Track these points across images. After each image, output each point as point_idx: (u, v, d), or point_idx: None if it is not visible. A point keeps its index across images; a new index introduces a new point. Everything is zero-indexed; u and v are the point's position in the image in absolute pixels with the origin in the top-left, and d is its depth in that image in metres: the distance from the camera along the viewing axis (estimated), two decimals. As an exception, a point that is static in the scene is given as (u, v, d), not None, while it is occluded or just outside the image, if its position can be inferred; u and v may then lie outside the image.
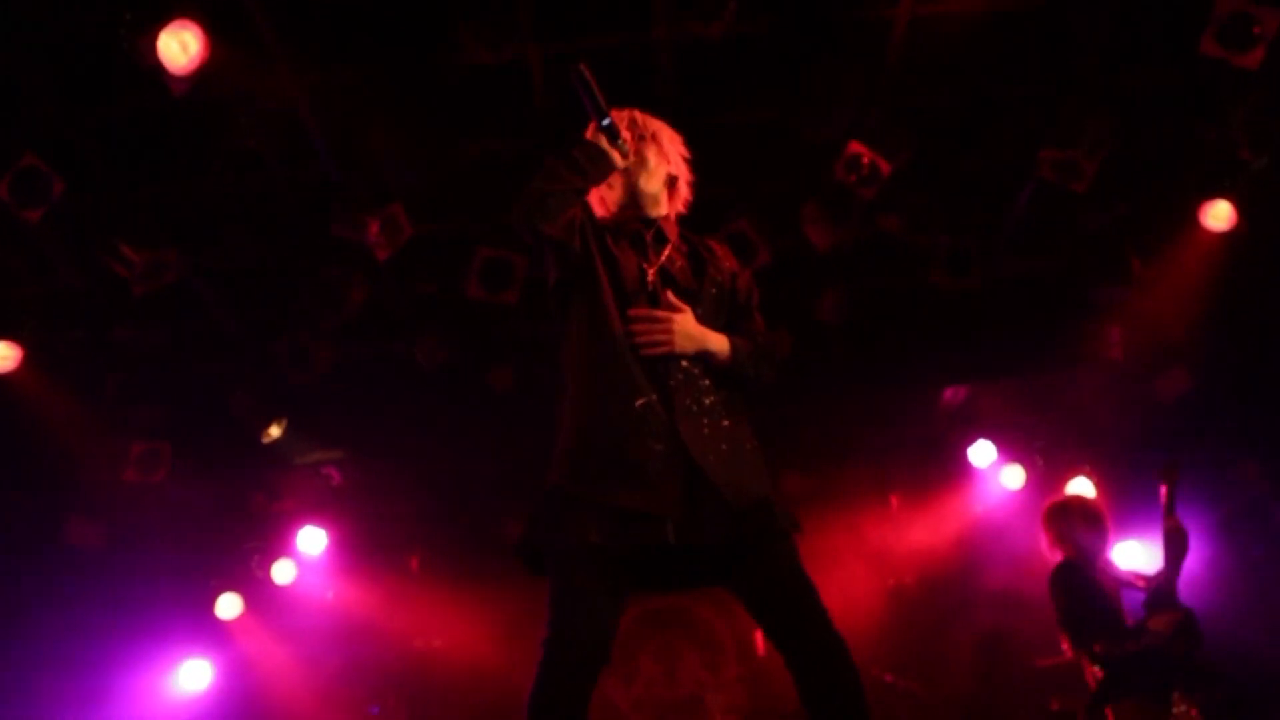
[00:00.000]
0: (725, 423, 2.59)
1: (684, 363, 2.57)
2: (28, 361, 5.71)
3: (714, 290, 2.71)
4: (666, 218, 2.77)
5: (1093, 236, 5.85)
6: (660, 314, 2.56)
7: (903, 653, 6.95)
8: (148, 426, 6.11)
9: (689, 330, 2.57)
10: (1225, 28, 4.26)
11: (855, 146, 4.81)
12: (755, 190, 5.25)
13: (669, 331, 2.55)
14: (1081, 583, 4.43)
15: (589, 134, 2.59)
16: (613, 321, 2.56)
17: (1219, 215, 5.38)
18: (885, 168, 4.86)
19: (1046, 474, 7.14)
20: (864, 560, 7.41)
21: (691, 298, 2.64)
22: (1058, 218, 5.76)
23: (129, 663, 6.74)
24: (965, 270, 5.78)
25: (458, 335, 5.98)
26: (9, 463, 6.10)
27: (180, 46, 3.96)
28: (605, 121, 2.52)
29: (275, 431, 6.57)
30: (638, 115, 2.74)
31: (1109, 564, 4.73)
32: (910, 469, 7.47)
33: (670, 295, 2.62)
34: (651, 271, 2.65)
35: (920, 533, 7.87)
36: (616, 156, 2.56)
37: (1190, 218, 5.56)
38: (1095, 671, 4.37)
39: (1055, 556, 4.69)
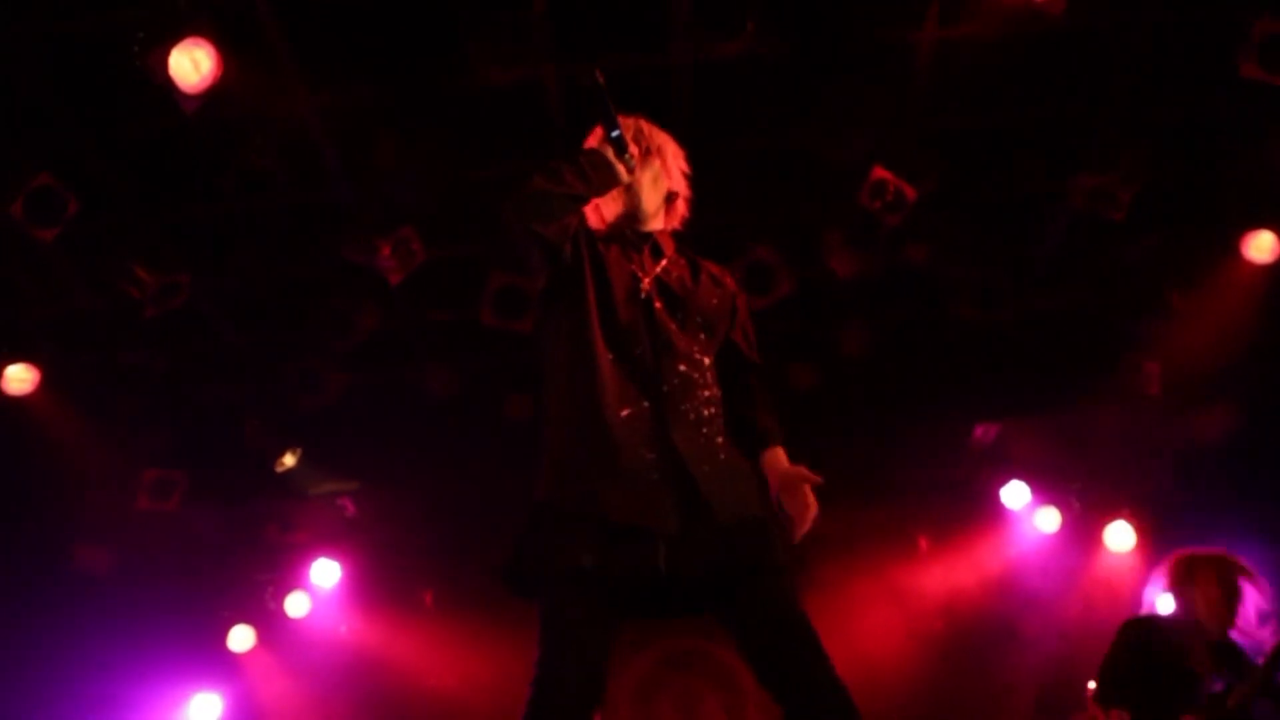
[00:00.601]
0: (720, 440, 2.45)
1: (681, 366, 2.44)
2: (43, 384, 5.68)
3: (714, 302, 2.60)
4: (663, 232, 2.67)
5: (1129, 269, 5.66)
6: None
7: (930, 705, 6.67)
8: (160, 453, 6.04)
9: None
10: (1265, 49, 4.09)
11: (879, 172, 4.67)
12: (775, 218, 5.13)
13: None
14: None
15: (596, 143, 2.52)
16: (599, 331, 2.44)
17: (1262, 246, 5.17)
18: (911, 194, 4.72)
19: (1083, 516, 6.88)
20: (889, 605, 7.16)
21: (685, 311, 2.53)
22: (1092, 249, 5.58)
23: (137, 695, 6.63)
24: (995, 303, 5.61)
25: (472, 363, 5.89)
26: (20, 486, 6.05)
27: (192, 64, 3.92)
28: (615, 133, 2.45)
29: (289, 461, 6.48)
30: (644, 125, 2.66)
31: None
32: (939, 509, 7.23)
33: (660, 306, 2.50)
34: (646, 281, 2.53)
35: (950, 576, 7.62)
36: (622, 170, 2.48)
37: (1231, 249, 5.36)
38: None
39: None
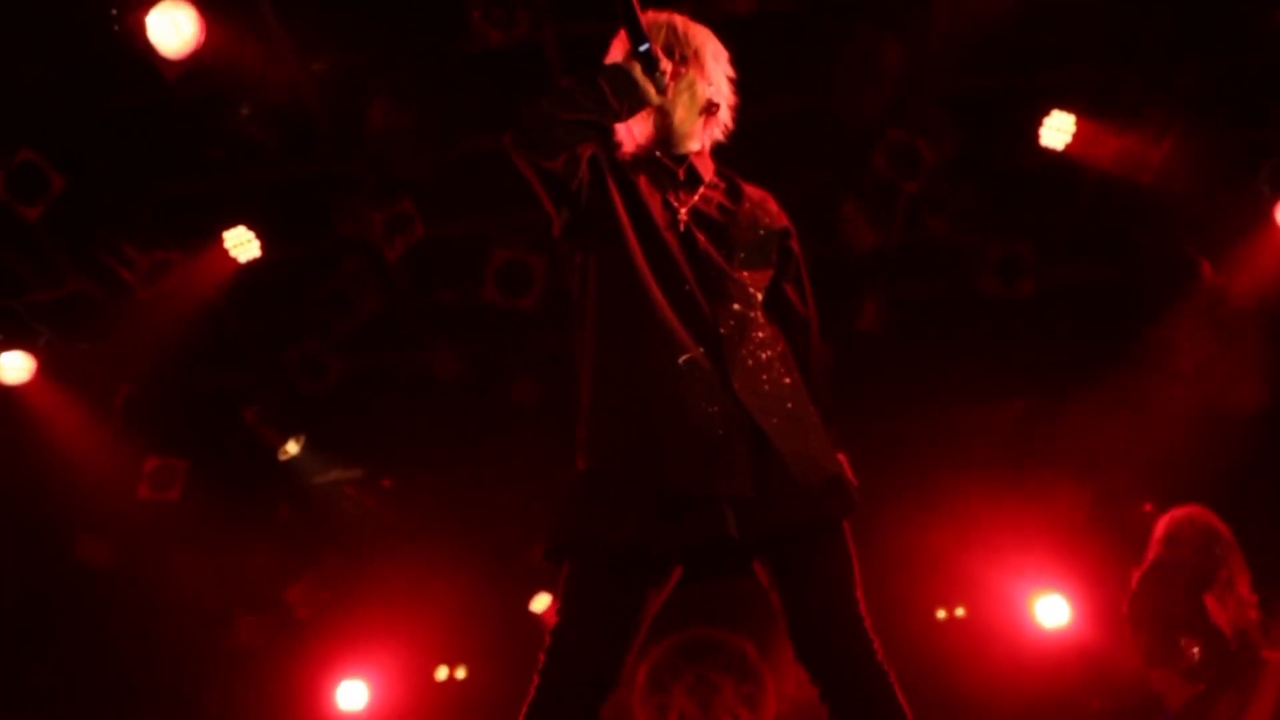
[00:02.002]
0: (787, 380, 2.19)
1: (735, 305, 2.19)
2: (40, 372, 5.57)
3: (759, 234, 2.31)
4: (700, 152, 2.37)
5: (1158, 238, 5.44)
6: None
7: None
8: (161, 440, 5.92)
9: None
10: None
11: (895, 134, 4.46)
12: (787, 186, 4.92)
13: None
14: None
15: (622, 58, 2.18)
16: (640, 269, 2.17)
17: (1296, 212, 4.94)
18: (929, 158, 4.51)
19: (1110, 498, 6.67)
20: (909, 587, 6.96)
21: (729, 242, 2.26)
22: (1120, 218, 5.37)
23: (143, 689, 6.51)
24: (1018, 276, 5.40)
25: (480, 345, 5.73)
26: (18, 476, 5.93)
27: (173, 26, 3.76)
28: (643, 48, 2.11)
29: (292, 448, 6.35)
30: (679, 24, 2.33)
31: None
32: (962, 489, 7.02)
33: (703, 238, 2.24)
34: (683, 211, 2.26)
35: (974, 559, 7.41)
36: (651, 90, 2.15)
37: (1265, 217, 5.13)
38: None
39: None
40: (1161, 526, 4.28)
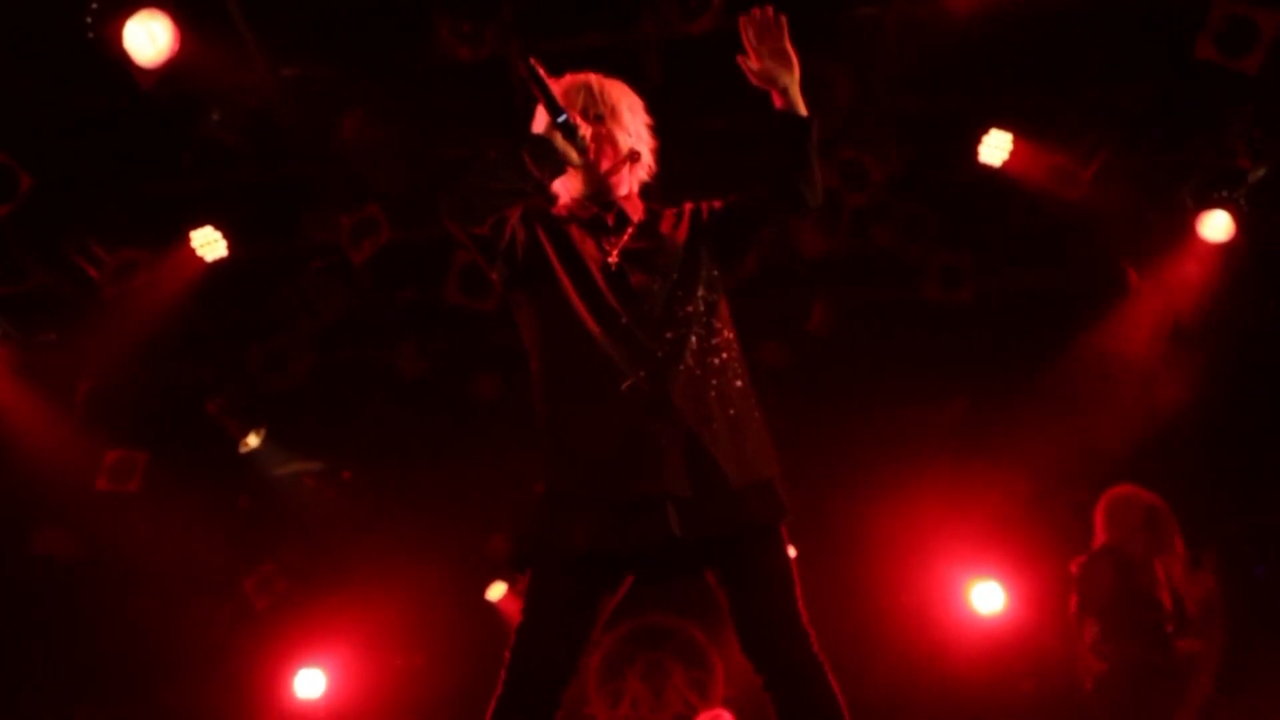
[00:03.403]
0: (738, 384, 2.42)
1: (669, 334, 2.38)
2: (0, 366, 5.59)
3: (681, 241, 2.52)
4: (628, 196, 2.60)
5: (1090, 249, 5.74)
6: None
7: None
8: (122, 433, 5.96)
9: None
10: (1222, 32, 4.15)
11: (844, 151, 4.69)
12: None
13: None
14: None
15: (542, 128, 2.42)
16: (577, 310, 2.40)
17: (1217, 226, 5.26)
18: (876, 174, 4.75)
19: (1044, 490, 6.99)
20: (852, 585, 7.23)
21: (661, 270, 2.47)
22: (1055, 230, 5.66)
23: (103, 679, 6.56)
24: (958, 283, 5.68)
25: (441, 342, 5.86)
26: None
27: (148, 37, 3.84)
28: (561, 118, 2.35)
29: (253, 441, 6.42)
30: (594, 85, 2.55)
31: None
32: (905, 483, 7.30)
33: (635, 275, 2.45)
34: (614, 253, 2.48)
35: (913, 548, 7.71)
36: (573, 154, 2.40)
37: (1188, 228, 5.45)
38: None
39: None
40: (1102, 509, 4.43)
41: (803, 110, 2.49)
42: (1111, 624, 4.17)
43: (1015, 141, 4.96)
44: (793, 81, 2.48)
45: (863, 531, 7.40)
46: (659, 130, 2.71)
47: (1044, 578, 6.89)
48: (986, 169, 5.02)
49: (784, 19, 2.48)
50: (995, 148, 4.93)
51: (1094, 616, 4.24)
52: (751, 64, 2.49)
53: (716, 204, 2.61)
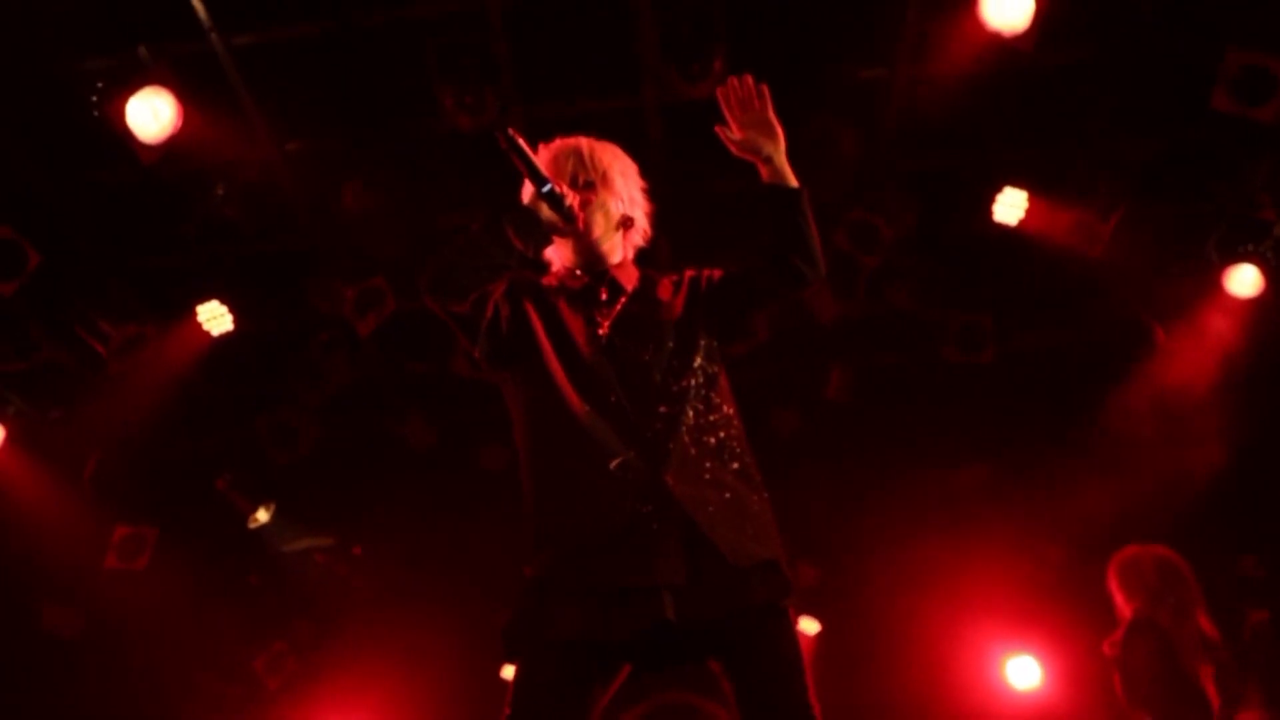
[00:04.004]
0: (735, 465, 2.29)
1: (663, 408, 2.25)
2: (9, 441, 5.57)
3: (678, 313, 2.41)
4: (622, 263, 2.51)
5: (1112, 306, 5.60)
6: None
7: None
8: (130, 509, 5.90)
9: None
10: (1237, 81, 4.07)
11: (856, 213, 4.61)
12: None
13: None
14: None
15: (527, 199, 2.34)
16: (564, 387, 2.28)
17: (1245, 280, 5.11)
18: (888, 234, 4.66)
19: (1074, 560, 6.75)
20: (882, 659, 6.97)
21: (655, 341, 2.35)
22: (1075, 287, 5.53)
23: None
24: (979, 345, 5.54)
25: (449, 414, 5.78)
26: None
27: (151, 113, 3.86)
28: (545, 188, 2.27)
29: (263, 516, 6.34)
30: (584, 150, 2.47)
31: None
32: (931, 553, 7.08)
33: (627, 348, 2.34)
34: (605, 325, 2.38)
35: (944, 621, 7.45)
36: (559, 223, 2.32)
37: (1215, 285, 5.31)
38: None
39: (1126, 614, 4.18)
40: (1113, 578, 4.23)
41: (791, 181, 2.40)
42: (1162, 714, 3.93)
43: (1030, 199, 4.87)
44: (777, 151, 2.40)
45: (890, 603, 7.17)
46: (662, 194, 2.63)
47: (1081, 650, 6.63)
48: (1002, 227, 4.92)
49: (765, 88, 2.41)
50: (1010, 206, 4.84)
51: (1143, 707, 4.00)
52: (733, 134, 2.41)
53: (716, 274, 2.50)
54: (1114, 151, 4.90)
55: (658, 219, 2.61)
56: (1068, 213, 4.94)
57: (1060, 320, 5.76)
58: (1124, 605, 4.20)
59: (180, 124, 4.00)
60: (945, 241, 5.13)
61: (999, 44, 3.97)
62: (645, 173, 2.60)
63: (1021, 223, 4.92)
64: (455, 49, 4.08)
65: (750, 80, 2.42)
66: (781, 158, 2.40)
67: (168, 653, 6.67)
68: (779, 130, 2.40)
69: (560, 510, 2.24)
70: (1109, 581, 4.30)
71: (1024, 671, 6.94)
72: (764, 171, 2.42)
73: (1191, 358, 5.52)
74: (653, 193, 2.59)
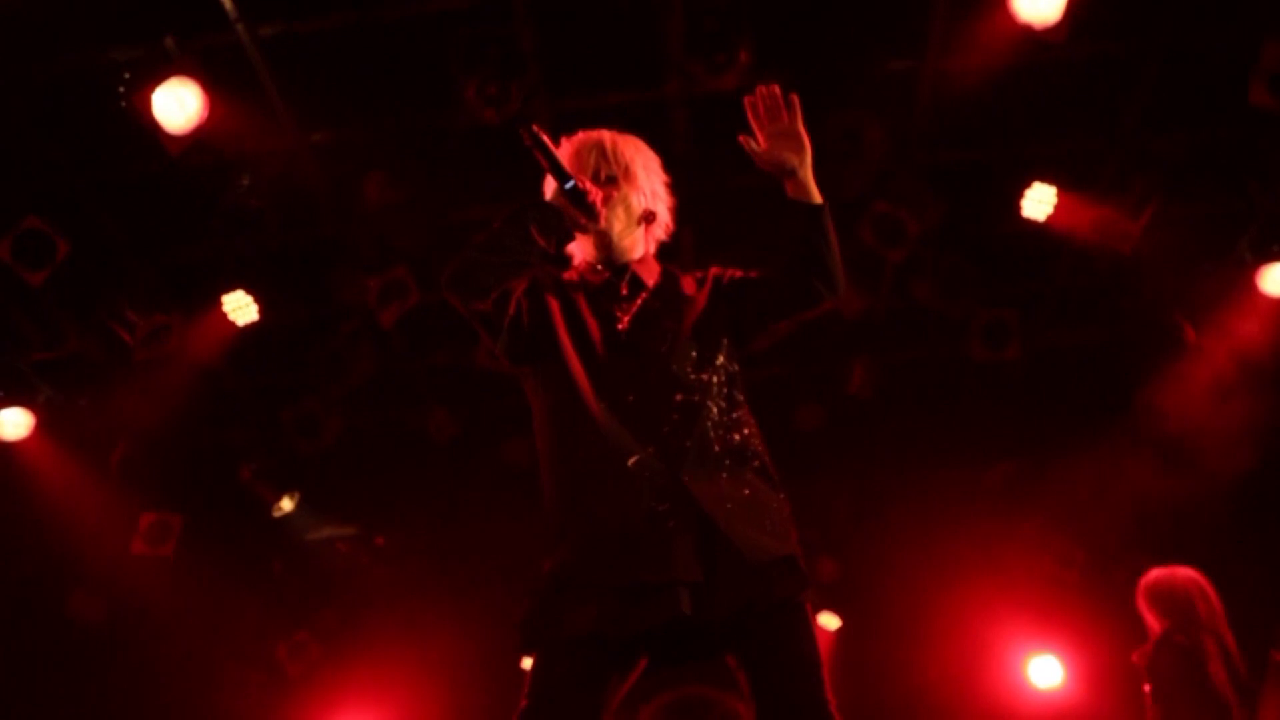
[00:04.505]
0: (756, 463, 2.27)
1: (679, 396, 2.23)
2: (39, 429, 5.64)
3: (699, 311, 2.38)
4: (643, 259, 2.48)
5: (1143, 304, 5.52)
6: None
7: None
8: (156, 497, 5.95)
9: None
10: (1275, 76, 3.98)
11: (881, 206, 4.57)
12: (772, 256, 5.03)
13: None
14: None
15: (549, 195, 2.33)
16: (582, 383, 2.27)
17: (1278, 280, 5.02)
18: (913, 229, 4.61)
19: (1098, 561, 6.69)
20: (902, 656, 6.94)
21: (673, 337, 2.32)
22: (1104, 284, 5.46)
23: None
24: (1004, 341, 5.48)
25: (473, 406, 5.79)
26: (13, 532, 5.96)
27: (178, 105, 3.88)
28: (568, 185, 2.26)
29: (287, 505, 6.38)
30: (606, 144, 2.44)
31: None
32: (954, 550, 7.03)
33: (646, 343, 2.31)
34: (625, 320, 2.36)
35: (967, 620, 7.41)
36: (582, 220, 2.29)
37: (1247, 282, 5.22)
38: None
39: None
40: (1142, 598, 4.31)
41: (816, 197, 2.34)
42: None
43: (1060, 195, 4.81)
44: (803, 165, 2.33)
45: (911, 599, 7.14)
46: (687, 187, 2.60)
47: (1104, 651, 6.58)
48: (1030, 223, 4.86)
49: (795, 98, 2.33)
50: (1039, 201, 4.78)
51: (1164, 709, 4.06)
52: (757, 146, 2.35)
53: (739, 274, 2.47)
54: (1146, 147, 4.83)
55: (681, 211, 2.57)
56: (1097, 209, 4.87)
57: (1088, 318, 5.69)
58: (1155, 624, 4.26)
59: (206, 115, 4.01)
60: (972, 237, 5.07)
61: (1030, 36, 3.91)
62: (668, 165, 2.57)
63: (1050, 218, 4.86)
64: (480, 40, 4.07)
65: (779, 90, 2.35)
66: (807, 172, 2.33)
67: (191, 639, 6.75)
68: (807, 143, 2.33)
69: (578, 506, 2.23)
70: (1139, 601, 4.35)
71: (1046, 671, 6.91)
72: (788, 186, 2.36)
73: (1222, 358, 5.44)
74: (676, 185, 2.56)
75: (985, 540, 6.94)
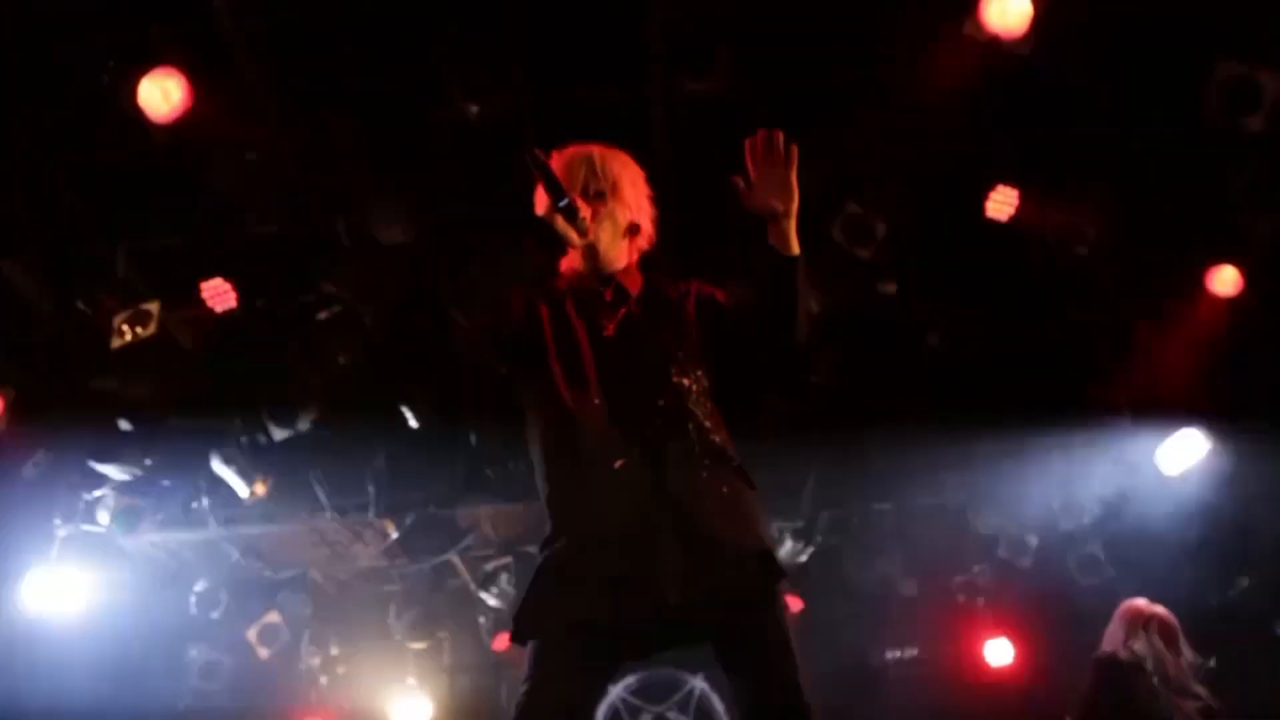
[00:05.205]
0: (734, 463, 2.43)
1: (661, 401, 2.38)
2: (8, 413, 5.61)
3: (684, 324, 2.52)
4: (627, 269, 2.60)
5: (1099, 302, 5.74)
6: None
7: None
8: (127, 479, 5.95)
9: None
10: (1228, 91, 4.19)
11: (851, 206, 4.72)
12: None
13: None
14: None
15: (543, 210, 2.42)
16: (569, 388, 2.41)
17: (1225, 280, 5.27)
18: (882, 228, 4.77)
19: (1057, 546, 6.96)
20: (864, 635, 7.16)
21: (655, 344, 2.47)
22: (1062, 282, 5.66)
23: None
24: (964, 335, 5.68)
25: (448, 394, 5.86)
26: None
27: (162, 94, 3.91)
28: (563, 203, 2.36)
29: (260, 490, 6.41)
30: (595, 159, 2.54)
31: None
32: (915, 538, 7.26)
33: (629, 350, 2.45)
34: (610, 327, 2.49)
35: (928, 603, 7.67)
36: (574, 235, 2.39)
37: (1196, 282, 5.46)
38: None
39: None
40: (1115, 620, 4.42)
41: (794, 248, 2.41)
42: None
43: (1020, 196, 4.99)
44: (788, 215, 2.39)
45: (872, 580, 7.37)
46: (665, 187, 2.72)
47: (1055, 635, 6.87)
48: (994, 223, 5.05)
49: (795, 149, 2.40)
50: (1001, 203, 4.96)
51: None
52: (749, 187, 2.41)
53: (718, 295, 2.59)
54: (1103, 152, 5.03)
55: (661, 210, 2.68)
56: (1057, 210, 5.07)
57: (1047, 316, 5.88)
58: (1118, 645, 4.35)
59: (190, 104, 4.05)
60: (937, 236, 5.24)
61: (996, 46, 4.07)
62: (646, 163, 2.68)
63: (1011, 219, 5.06)
64: (464, 35, 4.14)
65: (780, 138, 2.41)
66: (790, 222, 2.40)
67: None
68: (795, 194, 2.40)
69: (569, 506, 2.39)
70: (1112, 623, 4.45)
71: (1000, 652, 7.23)
72: (770, 231, 2.44)
73: (1172, 355, 5.68)
74: (655, 183, 2.65)
75: (942, 524, 7.19)
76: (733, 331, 2.52)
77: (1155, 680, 4.15)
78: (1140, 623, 4.32)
